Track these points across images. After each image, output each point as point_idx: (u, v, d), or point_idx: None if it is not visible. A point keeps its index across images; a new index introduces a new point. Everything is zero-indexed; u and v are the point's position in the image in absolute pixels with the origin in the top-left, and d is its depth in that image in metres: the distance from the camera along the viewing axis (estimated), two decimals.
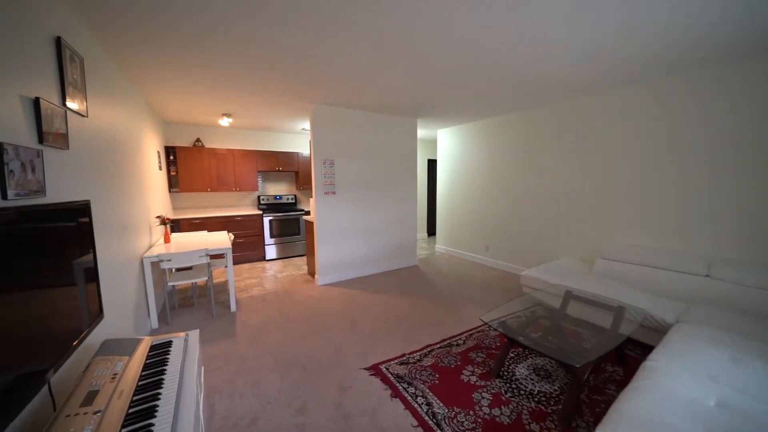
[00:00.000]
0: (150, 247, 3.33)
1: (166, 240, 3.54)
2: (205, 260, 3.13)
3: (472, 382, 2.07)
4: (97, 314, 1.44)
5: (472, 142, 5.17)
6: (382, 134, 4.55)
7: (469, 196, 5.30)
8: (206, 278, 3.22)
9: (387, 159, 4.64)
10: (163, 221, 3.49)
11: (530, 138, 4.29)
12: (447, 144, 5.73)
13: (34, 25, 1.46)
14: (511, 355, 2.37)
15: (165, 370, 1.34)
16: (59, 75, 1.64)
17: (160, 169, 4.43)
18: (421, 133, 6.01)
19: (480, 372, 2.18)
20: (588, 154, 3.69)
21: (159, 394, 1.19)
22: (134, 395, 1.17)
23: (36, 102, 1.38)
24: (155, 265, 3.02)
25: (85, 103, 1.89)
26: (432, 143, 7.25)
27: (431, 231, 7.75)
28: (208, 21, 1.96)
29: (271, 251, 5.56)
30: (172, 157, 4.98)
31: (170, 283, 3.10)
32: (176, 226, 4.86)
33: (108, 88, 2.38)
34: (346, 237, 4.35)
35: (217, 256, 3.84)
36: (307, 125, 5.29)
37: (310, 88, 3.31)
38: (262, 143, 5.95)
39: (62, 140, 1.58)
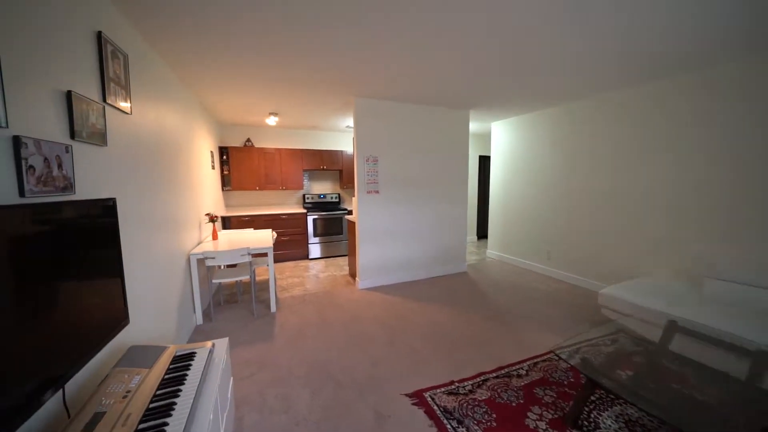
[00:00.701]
0: (199, 243, 3.41)
1: (214, 237, 3.62)
2: (247, 259, 3.10)
3: (541, 430, 1.65)
4: (120, 320, 1.36)
5: (533, 135, 4.55)
6: (430, 128, 4.20)
7: (527, 196, 4.69)
8: (248, 276, 3.20)
9: (435, 155, 4.27)
10: (212, 218, 3.57)
11: (608, 127, 3.59)
12: (502, 138, 5.15)
13: (74, 18, 1.42)
14: (593, 398, 1.88)
15: (180, 391, 1.19)
16: (99, 70, 1.61)
17: (213, 168, 4.61)
18: (473, 126, 5.51)
19: (550, 417, 1.75)
20: (689, 142, 2.93)
21: (166, 424, 1.03)
22: (140, 422, 1.02)
23: (68, 96, 1.33)
24: (201, 262, 3.06)
25: (128, 101, 1.88)
26: (485, 138, 6.66)
27: (482, 234, 7.16)
28: (255, 21, 1.82)
29: (314, 250, 5.54)
30: (225, 157, 5.19)
31: (215, 281, 3.13)
32: (227, 222, 5.06)
33: (155, 87, 2.40)
34: (389, 239, 4.09)
35: (261, 254, 3.85)
36: (351, 122, 5.15)
37: (354, 79, 3.10)
38: (307, 142, 5.98)
39: (99, 137, 1.54)
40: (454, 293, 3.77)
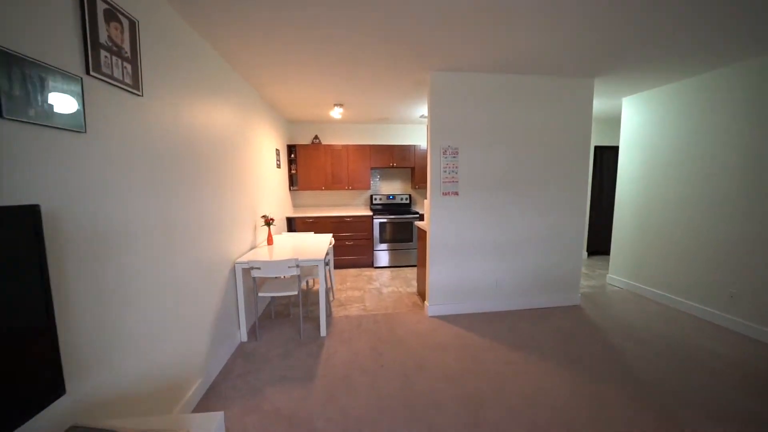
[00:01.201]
0: (252, 248, 3.11)
1: (269, 242, 3.29)
2: (295, 271, 2.62)
3: None
4: (46, 393, 0.88)
5: (702, 111, 3.00)
6: (532, 107, 3.09)
7: (684, 202, 3.15)
8: (296, 292, 2.72)
9: (538, 145, 3.15)
10: (267, 221, 3.24)
11: None
12: (642, 118, 3.64)
13: None
14: None
15: None
16: (82, 31, 1.21)
17: (279, 166, 4.40)
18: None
19: None
20: None
21: None
22: None
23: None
24: (246, 272, 2.71)
25: (137, 78, 1.49)
26: (603, 121, 5.06)
27: (593, 249, 5.51)
28: None
29: (380, 258, 4.94)
30: (292, 155, 5.00)
31: (261, 294, 2.74)
32: (292, 224, 4.85)
33: (193, 73, 2.04)
34: (470, 254, 3.16)
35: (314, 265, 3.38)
36: (425, 109, 4.35)
37: (431, 44, 2.31)
38: (376, 137, 5.41)
39: (68, 120, 1.13)
40: (568, 341, 2.63)
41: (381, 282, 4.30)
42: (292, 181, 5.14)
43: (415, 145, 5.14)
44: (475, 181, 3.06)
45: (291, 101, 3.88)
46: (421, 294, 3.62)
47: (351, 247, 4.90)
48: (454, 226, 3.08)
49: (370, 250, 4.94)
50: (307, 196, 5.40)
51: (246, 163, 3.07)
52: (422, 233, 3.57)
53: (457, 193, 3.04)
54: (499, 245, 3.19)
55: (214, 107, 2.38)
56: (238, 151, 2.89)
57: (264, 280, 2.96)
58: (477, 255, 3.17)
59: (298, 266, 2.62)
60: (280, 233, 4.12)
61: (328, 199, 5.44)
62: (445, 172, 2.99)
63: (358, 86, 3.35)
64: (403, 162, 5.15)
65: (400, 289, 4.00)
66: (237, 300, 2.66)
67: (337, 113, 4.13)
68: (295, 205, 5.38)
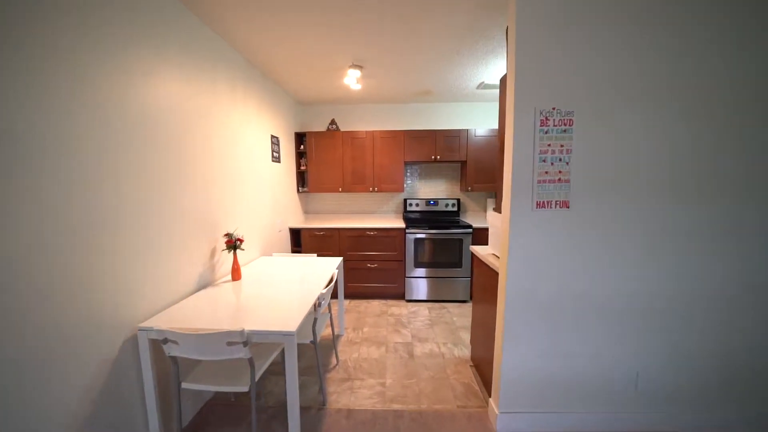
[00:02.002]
0: (202, 288, 1.93)
1: (236, 275, 2.08)
2: (239, 354, 1.35)
3: None
4: None
5: None
6: (729, 44, 1.46)
7: None
8: (247, 388, 1.44)
9: (735, 115, 1.50)
10: (231, 242, 2.04)
11: None
12: None
13: None
14: None
15: None
16: None
17: (277, 160, 3.22)
18: None
19: None
20: None
21: None
22: None
23: None
24: (160, 345, 1.49)
25: None
26: None
27: None
28: None
29: (414, 288, 3.53)
30: (302, 147, 3.81)
31: (184, 386, 1.50)
32: (298, 238, 3.65)
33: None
34: (583, 321, 1.62)
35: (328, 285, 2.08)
36: (489, 71, 2.85)
37: None
38: (412, 119, 4.01)
39: None
40: None
41: (414, 329, 2.89)
42: (302, 180, 3.96)
43: (467, 131, 3.65)
44: (603, 180, 1.51)
45: (285, 59, 2.66)
46: (476, 365, 2.16)
47: (375, 271, 3.57)
48: (554, 265, 1.57)
49: (401, 277, 3.55)
50: (319, 200, 4.18)
51: (202, 154, 1.89)
52: (480, 264, 2.11)
53: (565, 204, 1.52)
54: (644, 307, 1.60)
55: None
56: (189, 135, 1.72)
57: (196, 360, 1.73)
58: (597, 323, 1.61)
59: (246, 344, 1.34)
60: (268, 254, 2.92)
61: (346, 205, 4.17)
62: (543, 161, 1.49)
63: (384, 37, 2.01)
64: (449, 154, 3.68)
65: (444, 350, 2.56)
66: (144, 392, 1.47)
67: (354, 80, 2.81)
68: (306, 212, 4.20)
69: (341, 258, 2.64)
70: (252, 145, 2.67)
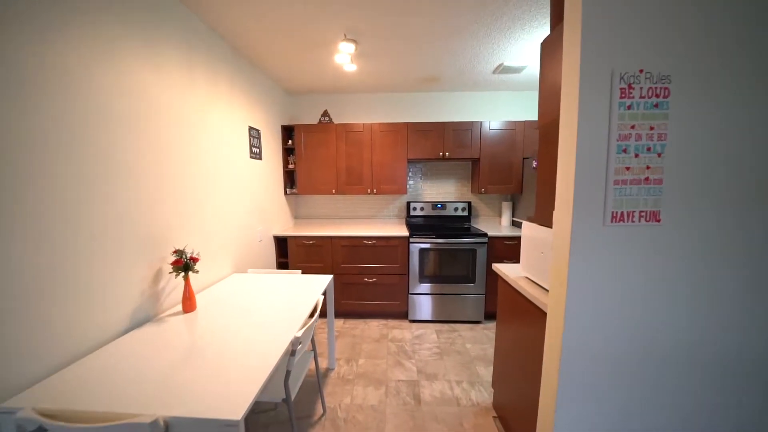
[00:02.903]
0: (143, 323, 1.43)
1: (188, 306, 1.58)
2: None
3: None
4: None
5: None
6: None
7: None
8: None
9: None
10: (181, 263, 1.53)
11: None
12: None
13: None
14: None
15: None
16: None
17: (258, 157, 2.72)
18: None
19: None
20: None
21: None
22: None
23: None
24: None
25: None
26: None
27: None
28: None
29: (419, 306, 3.03)
30: (290, 142, 3.32)
31: None
32: (284, 248, 3.15)
33: None
34: (688, 383, 1.11)
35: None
36: (511, 53, 2.35)
37: None
38: (416, 111, 3.51)
39: None
40: None
41: (420, 361, 2.39)
42: (291, 180, 3.47)
43: (479, 123, 3.14)
44: (715, 182, 1.01)
45: (270, 40, 2.16)
46: (505, 418, 1.66)
47: (373, 287, 3.06)
48: (637, 307, 1.06)
49: (404, 293, 3.05)
50: (310, 203, 3.68)
51: (145, 144, 1.39)
52: (511, 291, 1.61)
53: (655, 216, 1.01)
54: None
55: None
56: (125, 118, 1.22)
57: None
58: (703, 390, 1.11)
59: None
60: (242, 271, 2.42)
61: (340, 209, 3.66)
62: (622, 152, 0.99)
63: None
64: (459, 150, 3.18)
65: (458, 391, 2.05)
66: None
67: (347, 59, 2.31)
68: (296, 217, 3.70)
69: (331, 276, 2.14)
70: (222, 137, 2.17)
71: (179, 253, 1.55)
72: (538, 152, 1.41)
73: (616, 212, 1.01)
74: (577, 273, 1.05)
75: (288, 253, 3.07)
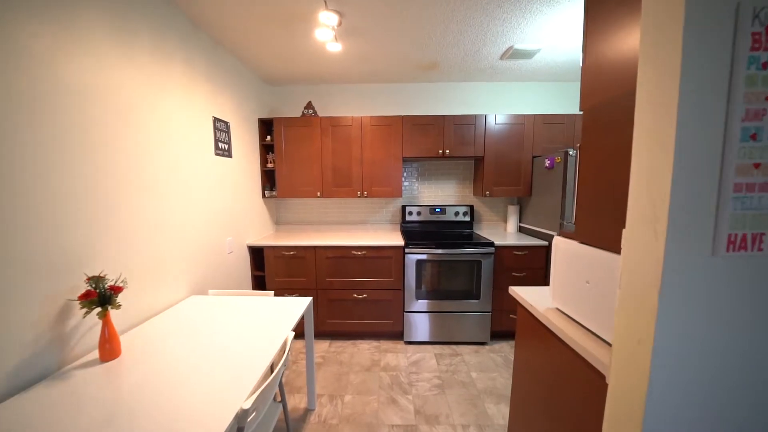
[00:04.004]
0: (39, 381, 1.02)
1: (108, 352, 1.17)
2: None
3: None
4: None
5: None
6: None
7: None
8: None
9: None
10: (92, 295, 1.12)
11: None
12: None
13: None
14: None
15: None
16: None
17: (225, 154, 2.31)
18: None
19: None
20: None
21: None
22: None
23: None
24: None
25: None
26: None
27: None
28: None
29: (416, 325, 2.65)
30: (269, 138, 2.91)
31: None
32: (260, 259, 2.74)
33: None
34: None
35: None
36: (525, 33, 1.98)
37: None
38: (412, 103, 3.13)
39: None
40: None
41: (419, 397, 2.00)
42: (270, 181, 3.06)
43: (484, 117, 2.78)
44: None
45: (229, 7, 1.75)
46: None
47: (364, 304, 2.67)
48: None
49: (399, 311, 2.67)
50: (293, 207, 3.27)
51: (59, 133, 0.98)
52: (535, 324, 1.24)
53: None
54: None
55: None
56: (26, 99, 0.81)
57: None
58: None
59: None
60: (202, 292, 2.00)
61: (326, 214, 3.26)
62: (750, 139, 0.62)
63: None
64: (461, 148, 2.81)
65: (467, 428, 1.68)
66: None
67: (329, 35, 1.91)
68: (278, 222, 3.29)
69: (309, 299, 1.74)
70: (176, 129, 1.76)
71: (94, 281, 1.14)
72: (581, 143, 1.04)
73: (736, 235, 0.64)
74: (668, 328, 0.67)
75: (264, 266, 2.66)
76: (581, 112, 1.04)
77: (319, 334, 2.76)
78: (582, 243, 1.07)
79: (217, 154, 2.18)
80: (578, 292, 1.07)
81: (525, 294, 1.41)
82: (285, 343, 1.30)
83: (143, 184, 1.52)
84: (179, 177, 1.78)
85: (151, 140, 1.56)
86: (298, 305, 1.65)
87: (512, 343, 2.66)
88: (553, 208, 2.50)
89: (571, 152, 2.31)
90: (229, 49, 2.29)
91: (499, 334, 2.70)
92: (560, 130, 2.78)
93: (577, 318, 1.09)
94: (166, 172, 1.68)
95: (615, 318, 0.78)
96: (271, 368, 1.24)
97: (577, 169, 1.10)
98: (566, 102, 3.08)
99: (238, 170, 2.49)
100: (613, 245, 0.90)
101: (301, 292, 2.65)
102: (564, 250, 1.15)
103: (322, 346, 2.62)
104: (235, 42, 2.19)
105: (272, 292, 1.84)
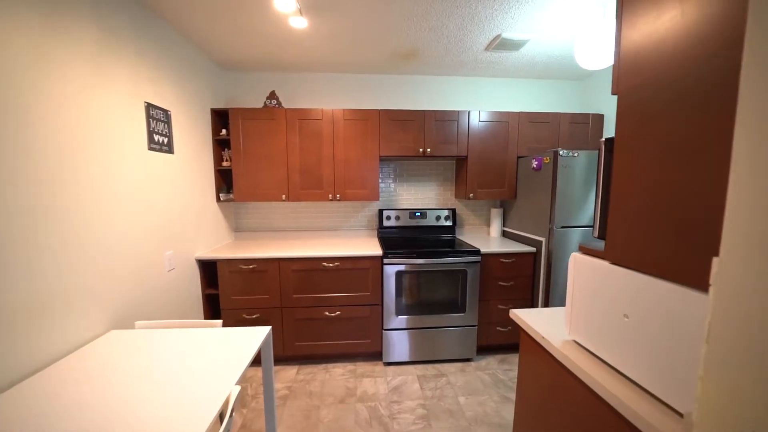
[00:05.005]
0: None
1: None
2: None
3: None
4: None
5: None
6: None
7: None
8: None
9: None
10: None
11: None
12: None
13: None
14: None
15: None
16: None
17: (163, 149, 1.90)
18: None
19: None
20: None
21: None
22: None
23: None
24: None
25: None
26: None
27: None
28: None
29: (396, 344, 2.36)
30: (224, 132, 2.50)
31: None
32: (211, 274, 2.33)
33: None
34: None
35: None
36: (515, 20, 1.77)
37: None
38: (390, 97, 2.86)
39: None
40: None
41: (406, 428, 1.72)
42: (227, 181, 2.65)
43: (467, 113, 2.56)
44: None
45: None
46: None
47: (337, 322, 2.35)
48: None
49: (377, 328, 2.37)
50: (256, 210, 2.88)
51: None
52: (544, 359, 1.00)
53: None
54: None
55: None
56: None
57: None
58: None
59: None
60: (127, 325, 1.58)
61: (294, 220, 2.90)
62: None
63: None
64: (443, 146, 2.58)
65: None
66: None
67: (291, 5, 1.58)
68: (237, 230, 2.87)
69: (268, 329, 1.40)
70: (88, 113, 1.35)
71: None
72: (617, 134, 0.81)
73: None
74: None
75: (218, 282, 2.25)
76: (616, 95, 0.81)
77: (285, 359, 2.40)
78: (615, 264, 0.84)
79: (151, 148, 1.76)
80: (611, 328, 0.84)
81: (530, 319, 1.18)
82: (227, 402, 0.96)
83: (31, 188, 1.10)
84: (92, 177, 1.37)
85: (47, 127, 1.15)
86: (252, 338, 1.31)
87: (499, 357, 2.46)
88: (540, 212, 2.34)
89: (561, 152, 2.14)
90: (169, 22, 1.88)
91: (484, 349, 2.50)
92: (545, 130, 2.63)
93: (609, 360, 0.85)
94: (71, 171, 1.27)
95: (700, 388, 0.54)
96: (221, 417, 0.90)
97: (601, 168, 0.86)
98: (547, 101, 2.95)
99: (183, 169, 2.07)
100: (673, 273, 0.67)
101: (263, 312, 2.27)
102: (589, 271, 0.92)
103: (288, 374, 2.26)
104: (177, 12, 1.79)
105: (220, 322, 1.47)
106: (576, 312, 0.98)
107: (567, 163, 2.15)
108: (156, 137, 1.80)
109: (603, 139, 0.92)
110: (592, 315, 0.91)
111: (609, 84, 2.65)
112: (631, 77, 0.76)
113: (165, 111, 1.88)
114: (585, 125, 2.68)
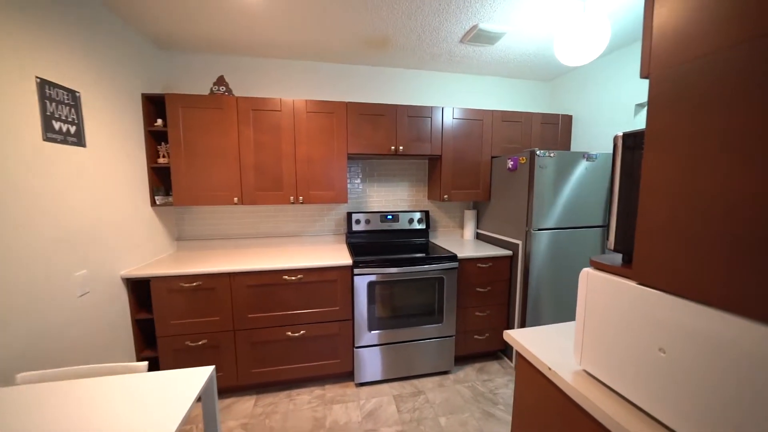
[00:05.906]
0: None
1: None
2: None
3: None
4: None
5: None
6: None
7: None
8: None
9: None
10: None
11: None
12: None
13: None
14: None
15: None
16: None
17: (71, 140, 1.48)
18: None
19: None
20: None
21: None
22: None
23: None
24: None
25: None
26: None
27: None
28: None
29: (369, 362, 2.13)
30: (160, 122, 2.09)
31: None
32: (144, 295, 1.92)
33: None
34: None
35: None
36: (494, 10, 1.64)
37: None
38: (357, 89, 2.62)
39: None
40: None
41: None
42: (164, 182, 2.23)
43: (441, 109, 2.41)
44: None
45: None
46: None
47: (301, 342, 2.06)
48: None
49: (348, 346, 2.12)
50: (202, 215, 2.48)
51: None
52: (550, 393, 0.84)
53: None
54: None
55: None
56: None
57: None
58: None
59: None
60: (6, 381, 1.19)
61: (249, 225, 2.55)
62: None
63: None
64: (416, 144, 2.40)
65: None
66: None
67: None
68: (180, 238, 2.45)
69: (211, 368, 1.09)
70: None
71: None
72: (647, 126, 0.66)
73: None
74: None
75: (153, 305, 1.85)
76: (646, 78, 0.66)
77: (241, 389, 2.07)
78: (644, 285, 0.69)
79: (50, 139, 1.35)
80: (640, 362, 0.69)
81: (526, 340, 1.02)
82: None
83: None
84: None
85: None
86: (190, 383, 1.00)
87: (477, 366, 2.34)
88: (515, 214, 2.25)
89: (538, 152, 2.06)
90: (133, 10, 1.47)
91: (462, 358, 2.37)
92: (518, 130, 2.56)
93: (636, 401, 0.70)
94: None
95: None
96: None
97: (617, 167, 0.71)
98: (517, 101, 2.91)
99: (101, 166, 1.66)
100: (733, 301, 0.52)
101: (212, 337, 1.92)
102: (609, 292, 0.77)
103: (243, 408, 1.93)
104: None
105: (145, 365, 1.13)
106: (589, 339, 0.83)
107: (544, 164, 2.08)
108: (56, 124, 1.39)
109: (621, 133, 0.78)
110: (613, 345, 0.76)
111: (578, 85, 2.65)
112: (674, 53, 0.61)
113: (71, 92, 1.47)
114: (555, 126, 2.66)
